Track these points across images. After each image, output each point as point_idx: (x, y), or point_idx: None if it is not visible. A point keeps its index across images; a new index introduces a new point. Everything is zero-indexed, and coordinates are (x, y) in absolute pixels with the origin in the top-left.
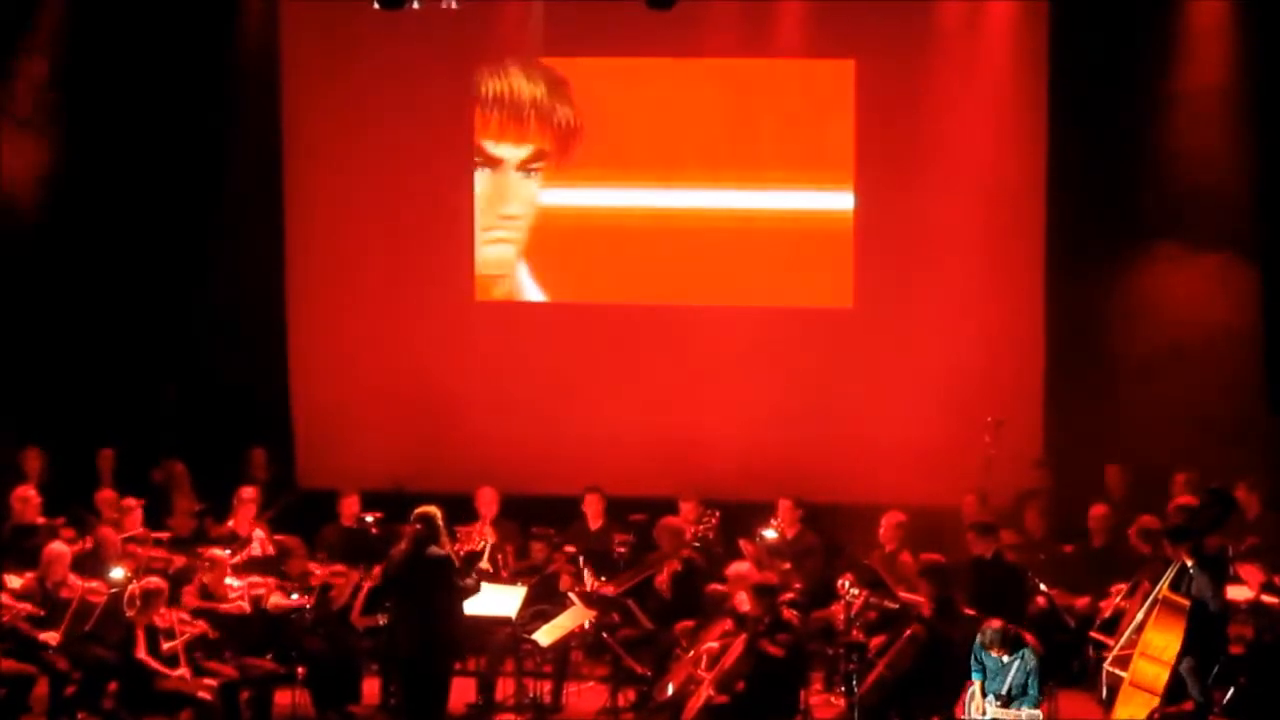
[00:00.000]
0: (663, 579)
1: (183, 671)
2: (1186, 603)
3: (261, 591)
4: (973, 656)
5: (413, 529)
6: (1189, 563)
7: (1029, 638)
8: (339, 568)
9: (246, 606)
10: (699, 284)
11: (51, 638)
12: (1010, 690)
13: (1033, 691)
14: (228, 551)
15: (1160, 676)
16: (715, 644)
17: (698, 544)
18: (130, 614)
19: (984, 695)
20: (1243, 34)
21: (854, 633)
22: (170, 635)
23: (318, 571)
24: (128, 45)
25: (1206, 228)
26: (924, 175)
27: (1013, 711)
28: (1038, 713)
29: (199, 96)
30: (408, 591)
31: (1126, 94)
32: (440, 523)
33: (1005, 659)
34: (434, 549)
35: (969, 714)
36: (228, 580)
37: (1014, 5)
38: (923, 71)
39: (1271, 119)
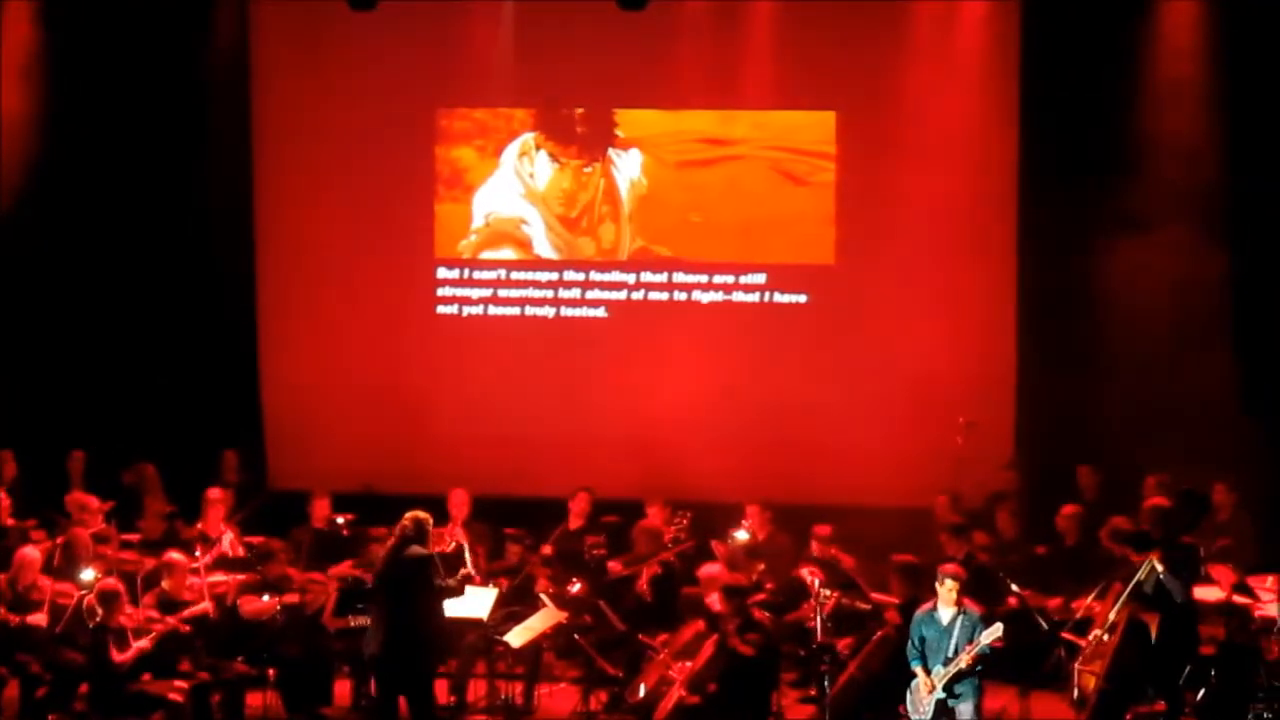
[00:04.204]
0: (643, 582)
1: (146, 644)
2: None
3: (224, 591)
4: (909, 641)
5: (400, 528)
6: (1159, 567)
7: (967, 600)
8: (316, 576)
9: (210, 609)
10: (669, 282)
11: (40, 620)
12: (957, 648)
13: (980, 637)
14: (198, 553)
15: None
16: (686, 664)
17: (671, 544)
18: (94, 622)
19: (929, 672)
20: (1213, 24)
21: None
22: (140, 633)
23: (296, 577)
24: (102, 38)
25: (1179, 226)
26: (897, 177)
27: (967, 656)
28: (997, 627)
29: (168, 98)
30: (387, 591)
31: (1098, 89)
32: (429, 528)
33: (946, 619)
34: (415, 548)
35: (914, 708)
36: (190, 581)
37: (986, 3)
38: (895, 75)
39: (1243, 110)
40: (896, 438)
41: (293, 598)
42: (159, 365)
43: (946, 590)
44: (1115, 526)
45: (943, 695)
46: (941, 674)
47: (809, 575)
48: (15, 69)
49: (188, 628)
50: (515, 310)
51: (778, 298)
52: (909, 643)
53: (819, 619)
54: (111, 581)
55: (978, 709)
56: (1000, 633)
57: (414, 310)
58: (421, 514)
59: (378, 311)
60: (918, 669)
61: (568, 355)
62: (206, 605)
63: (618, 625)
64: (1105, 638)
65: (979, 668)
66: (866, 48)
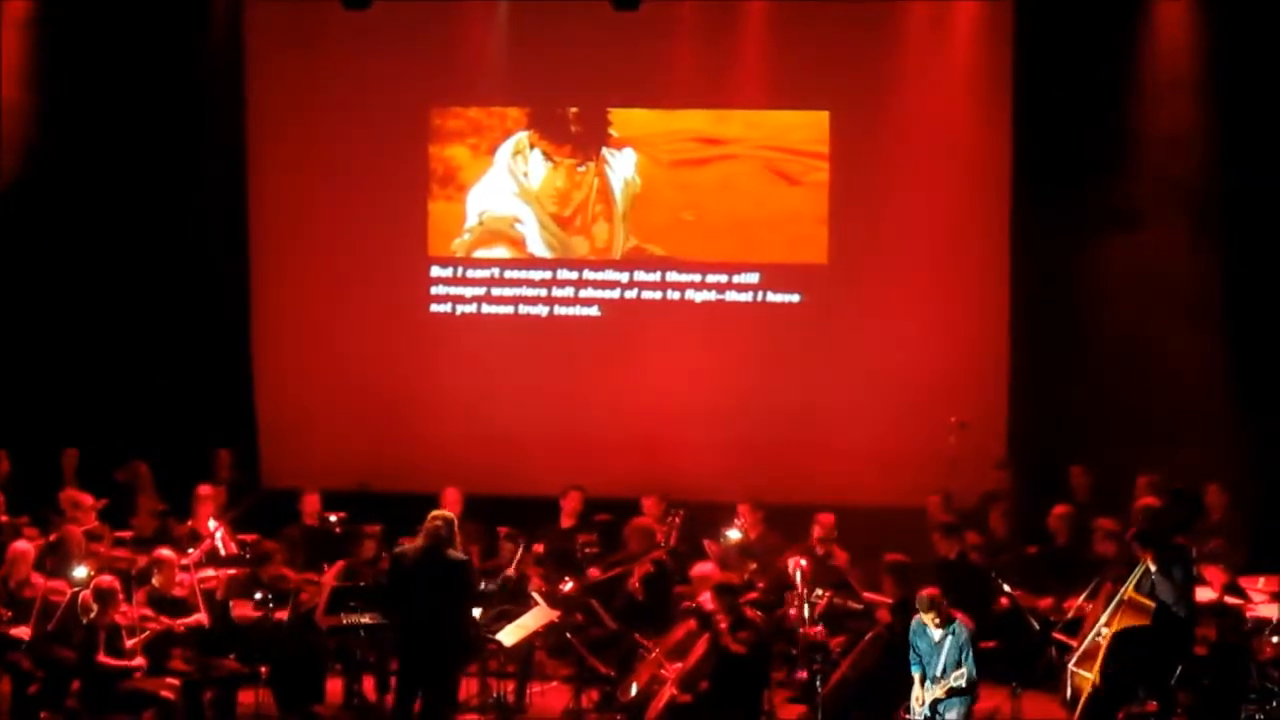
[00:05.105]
0: (635, 580)
1: (140, 661)
2: (1151, 604)
3: (213, 587)
4: (910, 647)
5: (432, 528)
6: (1151, 567)
7: (959, 614)
8: (311, 576)
9: (205, 620)
10: (663, 281)
11: (23, 633)
12: (945, 668)
13: (967, 663)
14: (191, 550)
15: None
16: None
17: (663, 544)
18: (88, 619)
19: (923, 685)
20: (1205, 22)
21: (811, 630)
22: (134, 632)
23: (291, 577)
24: (96, 38)
25: (1172, 225)
26: (890, 176)
27: (941, 690)
28: (963, 671)
29: (162, 97)
30: (423, 592)
31: (1091, 87)
32: (456, 527)
33: (937, 636)
34: (453, 551)
35: (914, 712)
36: (179, 578)
37: (979, 2)
38: (888, 75)
39: (1236, 108)
40: (889, 437)
41: (281, 614)
42: (152, 363)
43: (929, 619)
44: (1104, 527)
45: (928, 713)
46: (929, 690)
47: (793, 566)
48: (8, 72)
49: (182, 629)
50: (508, 309)
51: (771, 297)
52: (910, 649)
53: (802, 606)
54: (109, 579)
55: (967, 716)
56: (965, 679)
57: (407, 309)
58: (449, 513)
59: (371, 310)
60: (916, 676)
61: (561, 354)
62: (202, 617)
63: (609, 624)
64: (1104, 632)
65: (955, 698)
66: (859, 47)
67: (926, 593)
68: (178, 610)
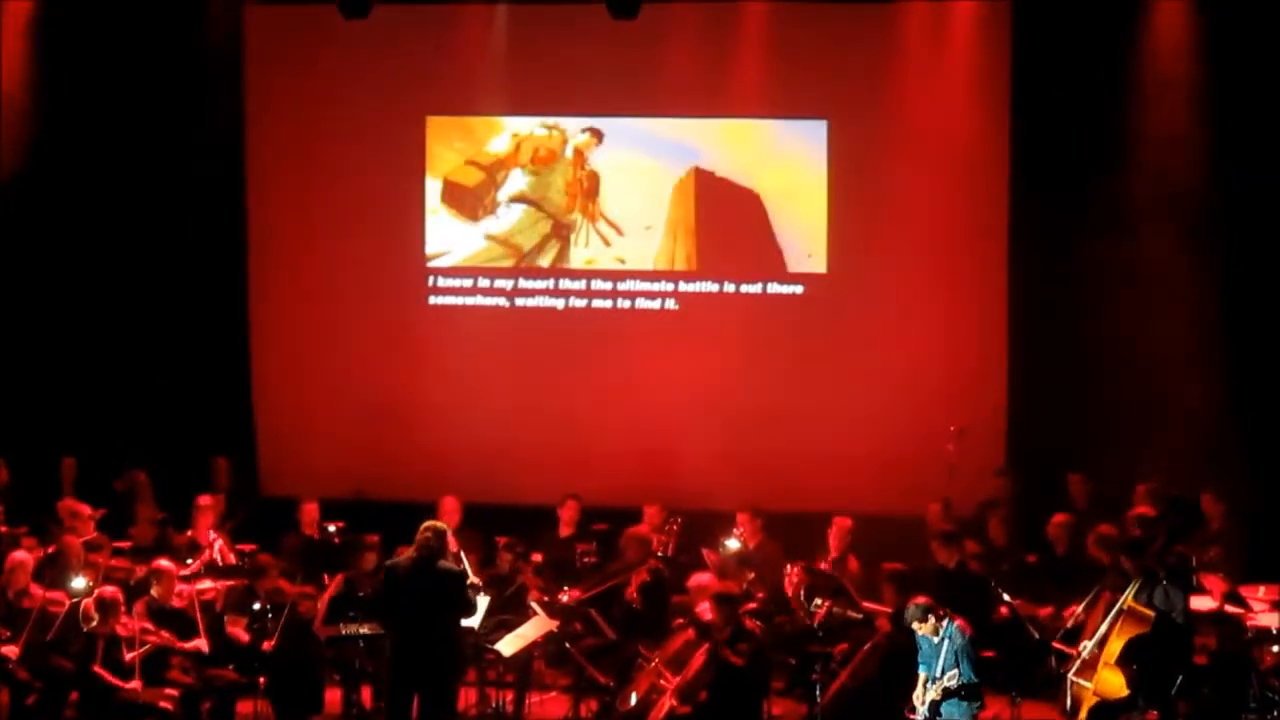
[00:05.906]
0: (632, 590)
1: (136, 684)
2: (1151, 613)
3: (211, 597)
4: (916, 645)
5: (422, 540)
6: (1162, 576)
7: (957, 619)
8: (309, 589)
9: (204, 645)
10: (661, 289)
11: (11, 651)
12: (943, 669)
13: (962, 666)
14: (190, 561)
15: (1124, 687)
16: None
17: (661, 553)
18: (88, 628)
19: (925, 685)
20: (1203, 23)
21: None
22: (132, 645)
23: (288, 589)
24: (94, 48)
25: (1172, 229)
26: (889, 184)
27: (935, 692)
28: (955, 673)
29: (161, 106)
30: (415, 605)
31: (1089, 91)
32: (448, 538)
33: (935, 639)
34: (444, 562)
35: (918, 709)
36: (179, 588)
37: (977, 4)
38: (886, 81)
39: (1235, 109)
40: (887, 445)
41: (269, 644)
42: (151, 371)
43: (924, 629)
44: (1102, 534)
45: (928, 714)
46: (930, 690)
47: (788, 578)
48: (9, 71)
49: (180, 644)
50: (506, 317)
51: (769, 305)
52: (916, 648)
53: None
54: (112, 590)
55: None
56: (955, 682)
57: (405, 317)
58: (440, 524)
59: (369, 318)
60: (921, 675)
61: (559, 362)
62: (201, 643)
63: (609, 633)
64: (1096, 649)
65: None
66: (857, 53)
67: (914, 602)
68: (177, 621)
